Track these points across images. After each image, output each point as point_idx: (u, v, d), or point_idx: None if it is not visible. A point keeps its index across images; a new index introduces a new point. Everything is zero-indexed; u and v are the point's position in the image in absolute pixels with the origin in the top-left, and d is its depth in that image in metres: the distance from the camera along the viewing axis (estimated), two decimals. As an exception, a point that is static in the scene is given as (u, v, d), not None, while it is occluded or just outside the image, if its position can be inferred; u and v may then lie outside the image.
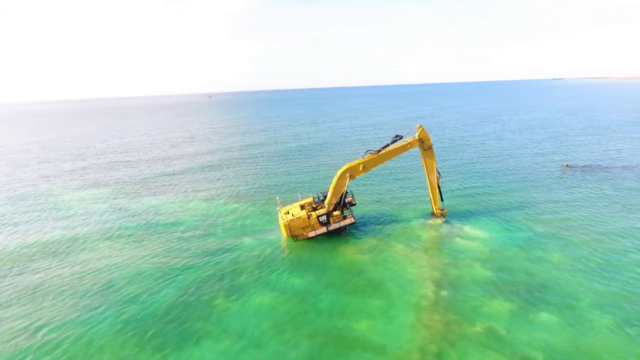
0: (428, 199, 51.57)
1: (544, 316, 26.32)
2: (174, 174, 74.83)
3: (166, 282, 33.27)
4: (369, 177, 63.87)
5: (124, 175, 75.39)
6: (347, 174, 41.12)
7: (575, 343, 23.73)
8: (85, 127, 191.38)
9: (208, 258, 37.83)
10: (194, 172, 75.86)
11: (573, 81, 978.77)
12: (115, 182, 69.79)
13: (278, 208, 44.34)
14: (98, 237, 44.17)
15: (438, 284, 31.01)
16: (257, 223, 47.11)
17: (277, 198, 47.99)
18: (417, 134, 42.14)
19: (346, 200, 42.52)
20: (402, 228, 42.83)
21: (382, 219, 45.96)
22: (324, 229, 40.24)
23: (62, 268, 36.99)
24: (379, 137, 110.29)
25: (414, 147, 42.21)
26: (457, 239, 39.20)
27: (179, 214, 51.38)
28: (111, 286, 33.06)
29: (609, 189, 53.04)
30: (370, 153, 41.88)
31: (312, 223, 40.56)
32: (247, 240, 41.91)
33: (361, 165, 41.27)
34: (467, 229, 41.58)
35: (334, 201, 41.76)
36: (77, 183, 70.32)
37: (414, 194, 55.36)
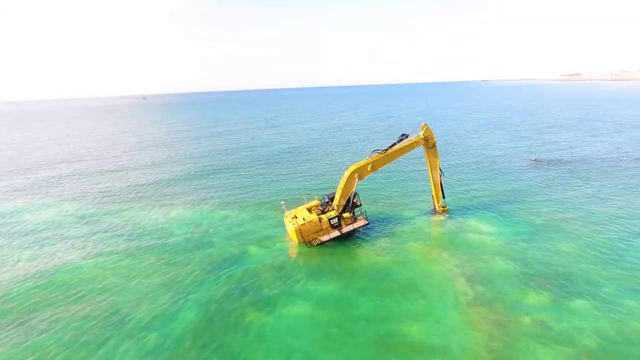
0: (424, 196, 52.61)
1: (579, 304, 27.25)
2: (141, 184, 68.49)
3: (180, 302, 29.75)
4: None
5: (82, 187, 67.58)
6: (356, 175, 40.09)
7: (618, 326, 24.77)
8: (8, 134, 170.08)
9: (217, 271, 34.63)
10: (163, 181, 70.08)
11: (500, 83, 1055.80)
12: (77, 196, 62.16)
13: (286, 212, 42.08)
14: (82, 257, 38.66)
15: (469, 280, 31.02)
16: (255, 229, 44.32)
17: (283, 202, 45.61)
18: (421, 133, 42.33)
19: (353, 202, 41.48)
20: (409, 227, 42.62)
21: (385, 220, 45.48)
22: (337, 232, 38.79)
23: (50, 295, 31.70)
24: (349, 139, 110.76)
25: (419, 145, 42.31)
26: (468, 234, 39.76)
27: (164, 225, 46.86)
28: (116, 312, 28.82)
29: (579, 181, 57.34)
30: (378, 152, 41.25)
31: (323, 227, 38.97)
32: (253, 248, 39.18)
33: (369, 165, 40.47)
34: (472, 224, 42.43)
35: (343, 203, 40.50)
36: (33, 199, 61.58)
37: (408, 192, 55.76)
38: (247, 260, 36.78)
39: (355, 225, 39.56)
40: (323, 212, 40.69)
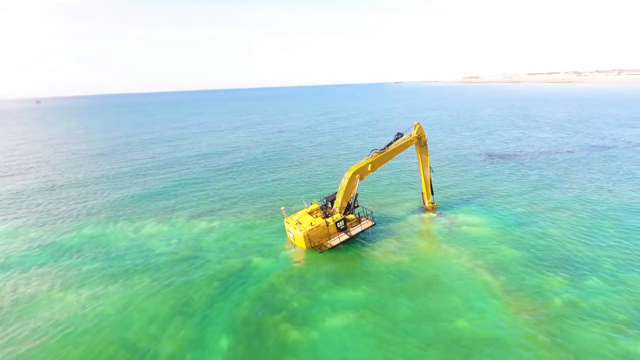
0: (407, 194, 53.79)
1: (593, 282, 29.76)
2: (87, 197, 60.10)
3: (204, 328, 26.30)
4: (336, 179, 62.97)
5: (18, 204, 57.24)
6: (357, 175, 39.47)
7: (636, 297, 27.49)
8: None
9: (227, 288, 31.41)
10: (115, 193, 62.30)
11: (412, 84, 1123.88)
12: (14, 215, 52.36)
13: (287, 218, 39.80)
14: (57, 289, 32.32)
15: (489, 271, 32.18)
16: (249, 239, 41.29)
17: (283, 208, 43.07)
18: (414, 131, 43.15)
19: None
20: (406, 225, 43.10)
21: (378, 220, 45.30)
22: (346, 236, 37.68)
23: (34, 340, 25.84)
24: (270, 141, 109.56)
25: (413, 143, 43.07)
26: (463, 228, 41.38)
27: (139, 242, 41.49)
28: (133, 350, 24.44)
29: (530, 171, 63.41)
30: (376, 152, 41.08)
31: (331, 231, 37.63)
32: (256, 259, 36.37)
33: (369, 164, 40.12)
34: (462, 218, 44.29)
35: (345, 204, 39.59)
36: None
37: (390, 191, 56.50)
38: (255, 272, 33.97)
39: (364, 226, 38.86)
40: (327, 216, 39.33)
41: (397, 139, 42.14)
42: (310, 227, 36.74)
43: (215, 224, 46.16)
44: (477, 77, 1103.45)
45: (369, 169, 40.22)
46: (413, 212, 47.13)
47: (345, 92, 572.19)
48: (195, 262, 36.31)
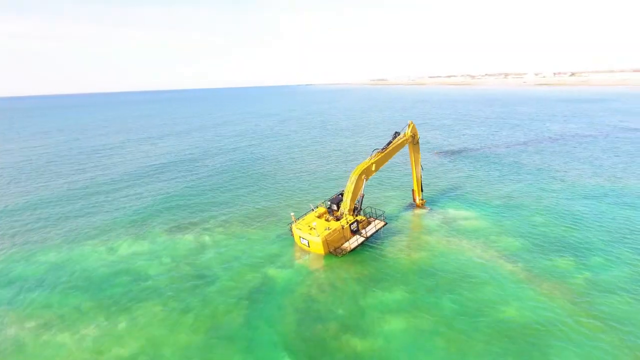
0: (393, 194, 54.75)
1: (595, 261, 33.07)
2: (31, 217, 50.62)
3: (252, 351, 23.62)
4: (317, 182, 61.55)
5: None
6: (363, 176, 39.04)
7: (637, 269, 31.22)
8: None
9: (254, 304, 28.71)
10: (65, 210, 53.46)
11: (324, 87, 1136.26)
12: None
13: (295, 224, 37.62)
14: (51, 329, 26.34)
15: (506, 259, 34.02)
16: (250, 250, 38.28)
17: (292, 214, 40.45)
18: (408, 130, 44.04)
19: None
20: (406, 222, 43.84)
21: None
22: (362, 238, 36.83)
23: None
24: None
25: (408, 142, 43.94)
26: (459, 222, 43.29)
27: (123, 264, 36.02)
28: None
29: (490, 167, 68.96)
30: (377, 151, 41.04)
31: (345, 234, 36.55)
32: (272, 271, 33.86)
33: (373, 164, 39.95)
34: (452, 213, 46.31)
35: (352, 206, 38.85)
36: None
37: (374, 191, 56.77)
38: (277, 285, 31.53)
39: (377, 227, 38.41)
40: (337, 219, 38.13)
41: (395, 137, 42.61)
42: (328, 231, 35.28)
43: (205, 237, 41.90)
44: (385, 80, 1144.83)
45: (373, 168, 40.04)
46: (405, 209, 48.07)
47: (260, 94, 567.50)
48: (203, 281, 32.53)
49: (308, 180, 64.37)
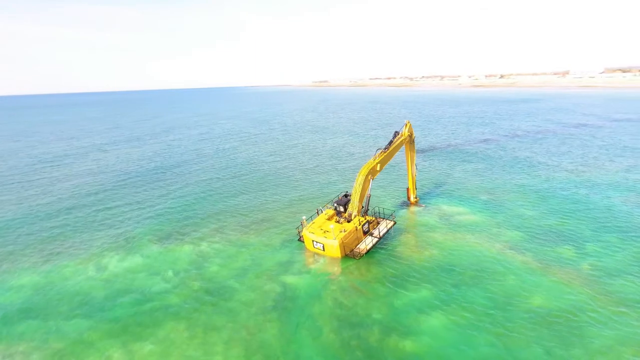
0: (383, 193, 55.09)
1: (591, 247, 35.54)
2: (6, 237, 44.16)
3: (304, 365, 22.14)
4: (307, 182, 60.15)
5: None
6: (369, 176, 38.83)
7: (629, 251, 34.01)
8: None
9: (285, 316, 27.30)
10: (31, 225, 47.28)
11: (269, 88, 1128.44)
12: None
13: (306, 227, 36.31)
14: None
15: (515, 251, 35.52)
16: (259, 259, 36.47)
17: (304, 217, 38.79)
18: (405, 129, 44.59)
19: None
20: (406, 220, 44.23)
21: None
22: (375, 238, 36.47)
23: None
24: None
25: (406, 141, 44.48)
26: (456, 217, 44.65)
27: (120, 281, 32.60)
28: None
29: (466, 163, 72.12)
30: (380, 151, 41.04)
31: (358, 235, 36.02)
32: (290, 279, 32.44)
33: (377, 164, 39.88)
34: (446, 209, 47.61)
35: (361, 206, 38.47)
36: None
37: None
38: (302, 293, 30.23)
39: (388, 226, 38.27)
40: (348, 221, 37.47)
41: (395, 137, 42.94)
42: (344, 233, 34.50)
43: (203, 247, 39.24)
44: (326, 82, 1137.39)
45: (377, 168, 39.95)
46: (400, 207, 48.60)
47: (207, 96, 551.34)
48: (220, 295, 30.29)
49: (294, 184, 62.98)
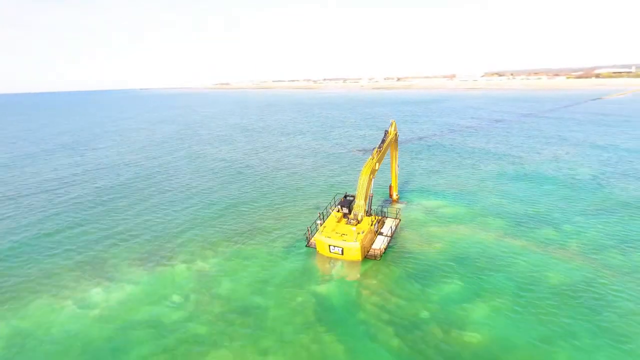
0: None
1: (568, 227, 40.09)
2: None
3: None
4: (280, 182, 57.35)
5: None
6: (371, 176, 38.81)
7: (605, 229, 39.22)
8: None
9: (333, 328, 25.82)
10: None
11: (162, 91, 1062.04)
12: None
13: (321, 230, 34.65)
14: None
15: (508, 236, 38.50)
16: (271, 270, 33.67)
17: (319, 221, 36.41)
18: (391, 129, 45.49)
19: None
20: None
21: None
22: (387, 238, 36.34)
23: None
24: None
25: (393, 140, 45.43)
26: (440, 210, 46.91)
27: (121, 318, 27.43)
28: None
29: (424, 160, 76.15)
30: (376, 149, 41.23)
31: (372, 236, 35.64)
32: (316, 288, 30.69)
33: (376, 163, 40.05)
34: (426, 203, 49.73)
35: (365, 205, 38.23)
36: None
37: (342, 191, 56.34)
38: (335, 302, 28.79)
39: (396, 224, 38.44)
40: (358, 222, 36.77)
41: (385, 135, 43.58)
42: (362, 234, 33.74)
43: (200, 265, 35.16)
44: (228, 84, 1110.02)
45: (376, 167, 40.08)
46: (384, 205, 49.30)
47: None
48: (249, 314, 27.38)
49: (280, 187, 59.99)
